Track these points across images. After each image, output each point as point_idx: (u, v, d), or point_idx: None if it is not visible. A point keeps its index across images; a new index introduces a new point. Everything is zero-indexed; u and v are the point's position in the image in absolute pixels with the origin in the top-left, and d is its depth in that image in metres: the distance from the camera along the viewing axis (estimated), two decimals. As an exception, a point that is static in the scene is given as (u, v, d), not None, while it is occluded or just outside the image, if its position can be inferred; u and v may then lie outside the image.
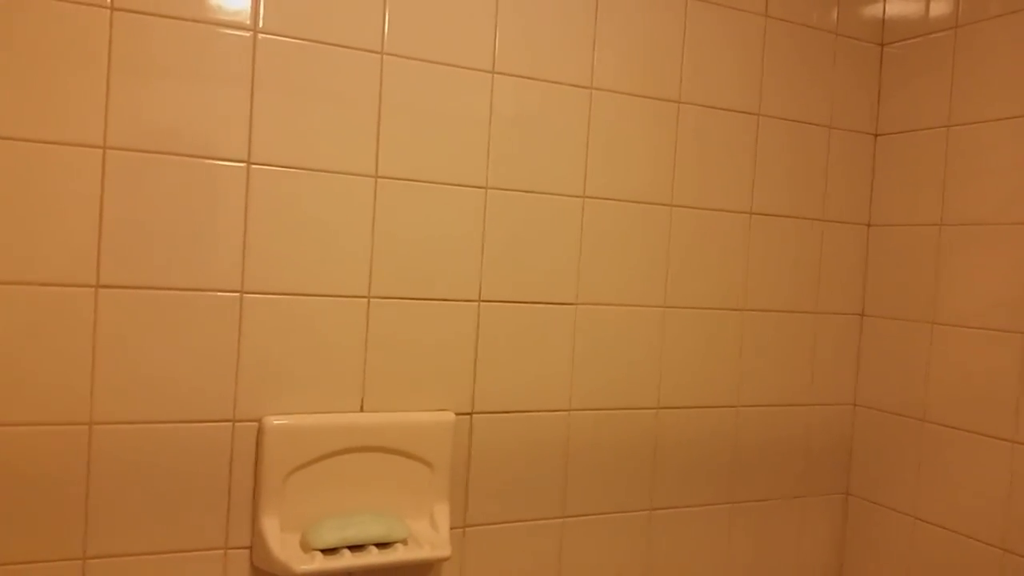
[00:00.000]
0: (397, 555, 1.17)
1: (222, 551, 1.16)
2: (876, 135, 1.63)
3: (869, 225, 1.63)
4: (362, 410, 1.23)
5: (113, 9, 1.05)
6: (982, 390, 1.41)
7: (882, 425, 1.59)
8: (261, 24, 1.13)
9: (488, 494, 1.33)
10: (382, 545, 1.18)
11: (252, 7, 1.12)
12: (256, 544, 1.16)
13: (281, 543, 1.14)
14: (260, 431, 1.15)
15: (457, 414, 1.29)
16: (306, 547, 1.15)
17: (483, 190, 1.28)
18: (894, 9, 1.60)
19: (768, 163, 1.52)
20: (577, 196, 1.35)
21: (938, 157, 1.50)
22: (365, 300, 1.21)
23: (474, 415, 1.31)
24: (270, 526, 1.15)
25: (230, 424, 1.15)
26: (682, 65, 1.43)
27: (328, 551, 1.15)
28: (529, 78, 1.30)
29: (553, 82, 1.32)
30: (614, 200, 1.38)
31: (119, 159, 1.06)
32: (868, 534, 1.62)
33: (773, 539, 1.59)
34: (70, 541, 1.08)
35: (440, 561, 1.23)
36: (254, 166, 1.13)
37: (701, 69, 1.44)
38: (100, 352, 1.07)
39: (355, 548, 1.16)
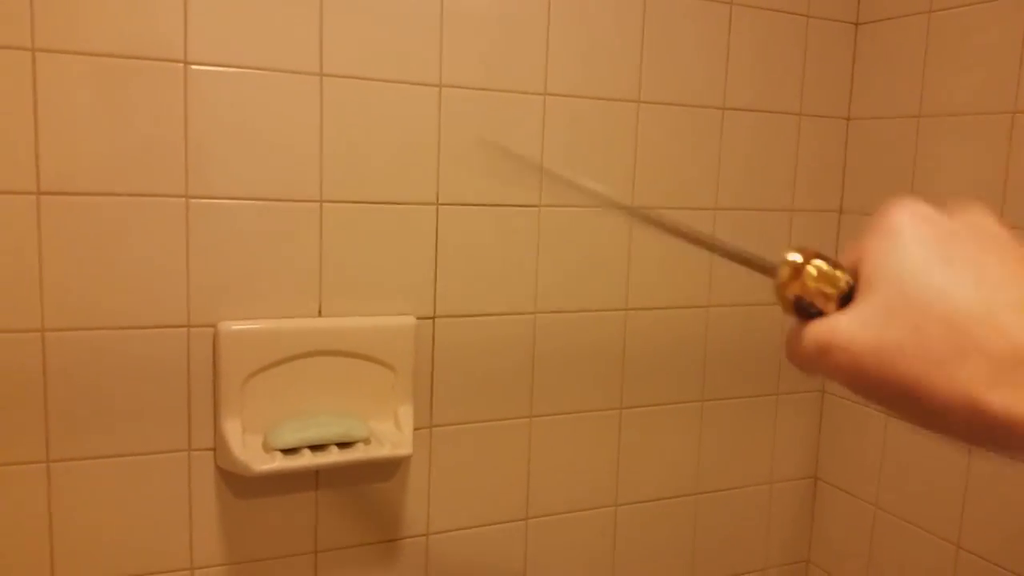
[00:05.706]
0: (357, 453, 1.19)
1: (186, 453, 1.18)
2: (857, 24, 1.55)
3: (848, 119, 1.58)
4: (320, 315, 1.23)
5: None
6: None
7: (858, 324, 1.58)
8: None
9: (454, 395, 1.34)
10: (344, 445, 1.20)
11: None
12: (219, 445, 1.18)
13: (242, 444, 1.16)
14: (216, 336, 1.16)
15: (419, 318, 1.28)
16: (267, 448, 1.17)
17: (437, 88, 1.24)
18: None
19: (742, 55, 1.46)
20: (539, 93, 1.31)
21: (919, 45, 1.43)
22: (317, 204, 1.19)
23: (436, 319, 1.30)
24: (231, 428, 1.17)
25: (185, 330, 1.15)
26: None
27: (289, 451, 1.17)
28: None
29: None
30: (577, 97, 1.34)
31: (46, 62, 1.03)
32: (842, 430, 1.63)
33: (746, 436, 1.61)
34: (33, 445, 1.10)
35: (403, 459, 1.25)
36: (192, 66, 1.10)
37: (669, -45, 1.37)
38: (47, 260, 1.07)
39: (316, 448, 1.18)
